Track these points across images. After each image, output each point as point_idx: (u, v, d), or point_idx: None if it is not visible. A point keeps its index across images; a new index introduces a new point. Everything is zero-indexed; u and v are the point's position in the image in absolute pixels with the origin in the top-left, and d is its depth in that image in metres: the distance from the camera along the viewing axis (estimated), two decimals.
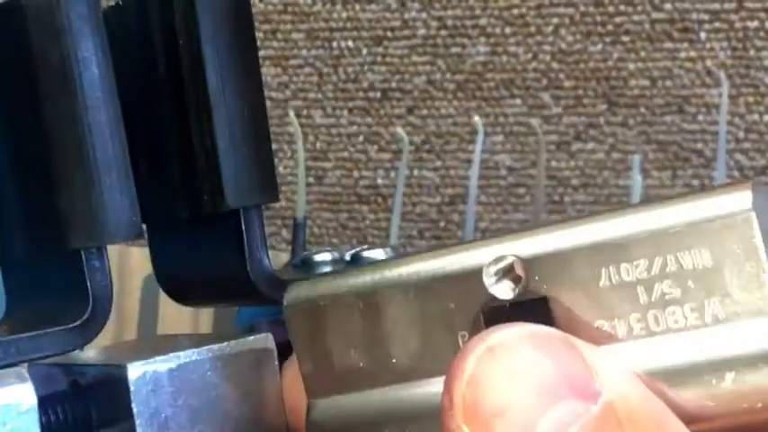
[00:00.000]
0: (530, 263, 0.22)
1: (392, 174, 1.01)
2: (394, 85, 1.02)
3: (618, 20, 0.97)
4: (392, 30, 1.02)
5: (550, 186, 0.97)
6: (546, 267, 0.22)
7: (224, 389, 0.27)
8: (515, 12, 1.00)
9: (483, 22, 1.00)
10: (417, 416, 0.23)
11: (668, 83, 0.96)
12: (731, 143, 0.94)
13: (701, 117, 0.95)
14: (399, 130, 0.99)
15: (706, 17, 0.95)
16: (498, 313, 0.22)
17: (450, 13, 1.01)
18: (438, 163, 1.01)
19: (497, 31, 1.00)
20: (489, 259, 0.22)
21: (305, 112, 1.03)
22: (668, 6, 0.96)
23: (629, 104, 0.97)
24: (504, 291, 0.22)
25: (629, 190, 0.93)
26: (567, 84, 0.98)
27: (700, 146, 0.95)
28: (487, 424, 0.20)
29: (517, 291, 0.22)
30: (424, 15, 1.01)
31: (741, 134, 0.95)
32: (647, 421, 0.20)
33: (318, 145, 1.03)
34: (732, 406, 0.20)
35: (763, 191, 0.21)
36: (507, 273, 0.22)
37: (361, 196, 1.02)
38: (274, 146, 1.05)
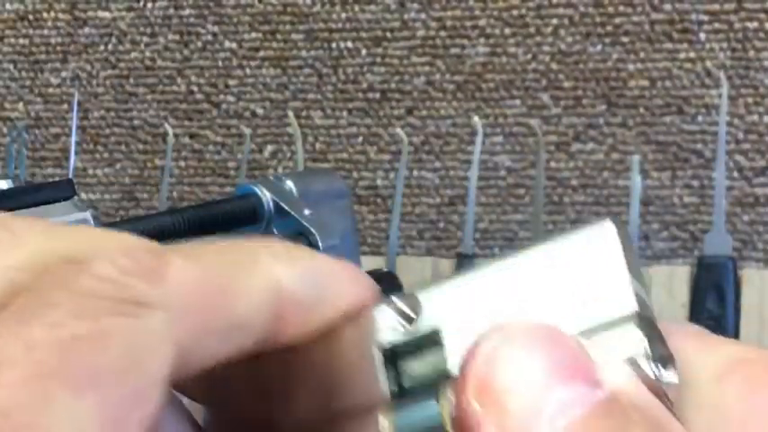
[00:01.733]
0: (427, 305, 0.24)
1: (392, 175, 1.01)
2: (393, 85, 1.02)
3: (617, 21, 0.97)
4: (391, 30, 1.02)
5: (550, 187, 0.97)
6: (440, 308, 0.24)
7: None
8: (515, 12, 1.00)
9: (482, 22, 1.00)
10: None
11: (668, 83, 0.96)
12: (731, 144, 0.94)
13: (700, 118, 0.95)
14: (399, 131, 0.99)
15: (705, 18, 0.95)
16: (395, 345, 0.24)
17: (449, 13, 1.01)
18: (437, 164, 1.01)
19: (497, 31, 1.00)
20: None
21: (304, 112, 1.03)
22: (668, 7, 0.96)
23: (628, 105, 0.97)
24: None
25: (628, 190, 0.93)
26: (566, 84, 0.98)
27: (699, 146, 0.95)
28: (498, 399, 0.21)
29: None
30: (423, 16, 1.01)
31: (741, 135, 0.95)
32: (649, 415, 0.21)
33: (318, 146, 1.03)
34: None
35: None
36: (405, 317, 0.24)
37: (361, 197, 1.02)
38: (273, 147, 1.05)
